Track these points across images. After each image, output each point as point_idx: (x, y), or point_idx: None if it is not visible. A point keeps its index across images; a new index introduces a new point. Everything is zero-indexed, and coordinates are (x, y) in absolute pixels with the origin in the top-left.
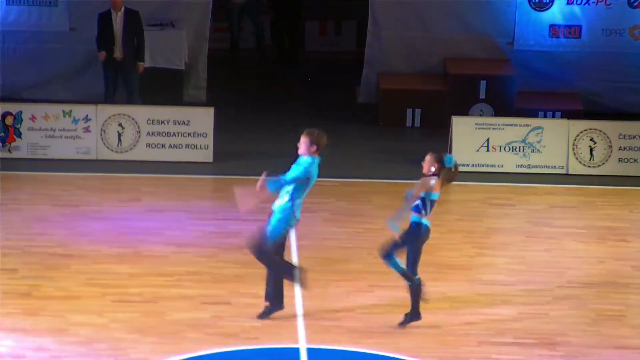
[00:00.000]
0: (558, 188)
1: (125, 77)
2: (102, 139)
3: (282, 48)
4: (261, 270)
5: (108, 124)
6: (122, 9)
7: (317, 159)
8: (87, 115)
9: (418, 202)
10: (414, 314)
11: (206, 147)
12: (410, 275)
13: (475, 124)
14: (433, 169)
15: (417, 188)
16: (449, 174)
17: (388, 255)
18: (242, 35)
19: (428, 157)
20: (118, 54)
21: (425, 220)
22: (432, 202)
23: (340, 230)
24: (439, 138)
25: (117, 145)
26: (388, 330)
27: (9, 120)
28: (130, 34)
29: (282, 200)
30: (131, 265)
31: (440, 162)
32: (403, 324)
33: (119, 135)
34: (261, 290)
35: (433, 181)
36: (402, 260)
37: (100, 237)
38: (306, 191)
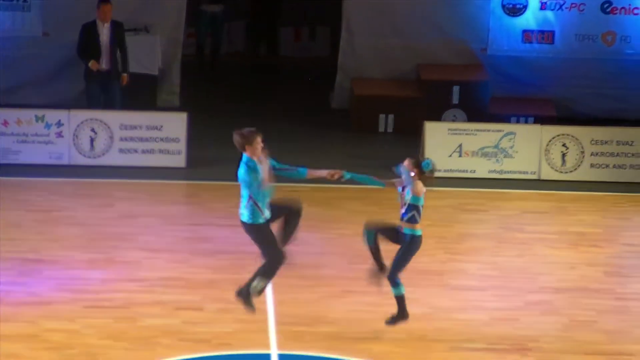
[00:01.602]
0: (530, 194)
1: (110, 89)
2: (75, 144)
3: (258, 53)
4: (234, 276)
5: (81, 129)
6: (109, 20)
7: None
8: (59, 121)
9: (412, 212)
10: (400, 315)
11: (179, 152)
12: (382, 260)
13: (448, 130)
14: (412, 174)
15: (412, 188)
16: (427, 179)
17: (368, 230)
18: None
19: (407, 162)
20: (104, 65)
21: (418, 231)
22: (421, 207)
23: (312, 235)
24: (412, 144)
25: (90, 150)
26: (360, 336)
27: None
28: (116, 46)
29: None
30: (104, 271)
31: (418, 166)
32: (389, 323)
33: (92, 140)
34: (233, 296)
35: (422, 186)
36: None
37: (72, 243)
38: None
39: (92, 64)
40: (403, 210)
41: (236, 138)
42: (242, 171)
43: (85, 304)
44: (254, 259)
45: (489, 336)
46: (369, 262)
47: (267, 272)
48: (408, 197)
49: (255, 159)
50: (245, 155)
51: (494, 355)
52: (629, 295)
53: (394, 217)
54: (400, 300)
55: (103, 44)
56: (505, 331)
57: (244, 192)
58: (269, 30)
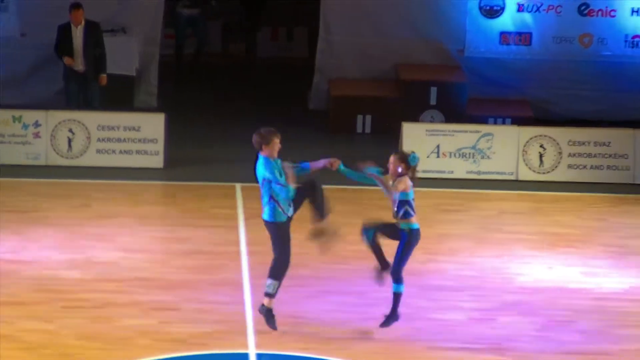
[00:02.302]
0: (508, 194)
1: (87, 90)
2: (52, 145)
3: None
4: (211, 277)
5: (58, 129)
6: (83, 22)
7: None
8: (37, 121)
9: (404, 208)
10: (392, 316)
11: (157, 153)
12: (383, 257)
13: (426, 131)
14: (400, 169)
15: (393, 185)
16: (414, 172)
17: (367, 229)
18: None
19: (392, 158)
20: (80, 66)
21: (415, 225)
22: (412, 201)
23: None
24: (389, 144)
25: (68, 151)
26: (338, 336)
27: None
28: (91, 46)
29: None
30: (81, 271)
31: (405, 161)
32: (383, 325)
33: (69, 141)
34: (210, 296)
35: (409, 181)
36: (390, 259)
37: (50, 243)
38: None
39: (66, 60)
40: (395, 208)
41: (255, 138)
42: (262, 169)
43: (62, 304)
44: (231, 259)
45: (466, 336)
46: (347, 264)
47: (276, 274)
48: (396, 194)
49: (272, 159)
50: (262, 156)
51: (471, 354)
52: (606, 295)
53: (373, 216)
54: (397, 298)
55: (76, 46)
56: (482, 331)
57: (265, 191)
58: (250, 31)
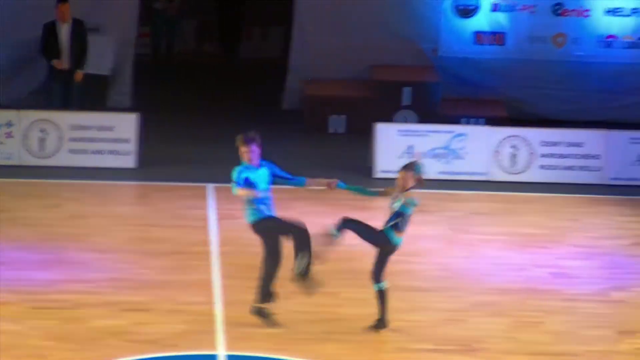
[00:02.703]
0: (480, 195)
1: (70, 87)
2: (25, 145)
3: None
4: (183, 277)
5: (30, 129)
6: (70, 20)
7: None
8: (9, 121)
9: (399, 219)
10: (381, 322)
11: (129, 153)
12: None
13: (399, 131)
14: (411, 183)
15: (401, 196)
16: (422, 181)
17: (345, 222)
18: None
19: (406, 174)
20: (65, 64)
21: (397, 238)
22: (408, 217)
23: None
24: (363, 144)
25: (40, 150)
26: (308, 337)
27: None
28: (76, 44)
29: None
30: (52, 272)
31: (418, 175)
32: (373, 327)
33: (42, 140)
34: (181, 296)
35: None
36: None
37: (21, 243)
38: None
39: (56, 63)
40: (389, 217)
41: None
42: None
43: (33, 304)
44: (202, 259)
45: (436, 337)
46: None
47: (267, 277)
48: (397, 204)
49: (247, 163)
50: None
51: (441, 355)
52: (576, 296)
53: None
54: (382, 297)
55: (63, 44)
56: (453, 332)
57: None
58: (230, 30)
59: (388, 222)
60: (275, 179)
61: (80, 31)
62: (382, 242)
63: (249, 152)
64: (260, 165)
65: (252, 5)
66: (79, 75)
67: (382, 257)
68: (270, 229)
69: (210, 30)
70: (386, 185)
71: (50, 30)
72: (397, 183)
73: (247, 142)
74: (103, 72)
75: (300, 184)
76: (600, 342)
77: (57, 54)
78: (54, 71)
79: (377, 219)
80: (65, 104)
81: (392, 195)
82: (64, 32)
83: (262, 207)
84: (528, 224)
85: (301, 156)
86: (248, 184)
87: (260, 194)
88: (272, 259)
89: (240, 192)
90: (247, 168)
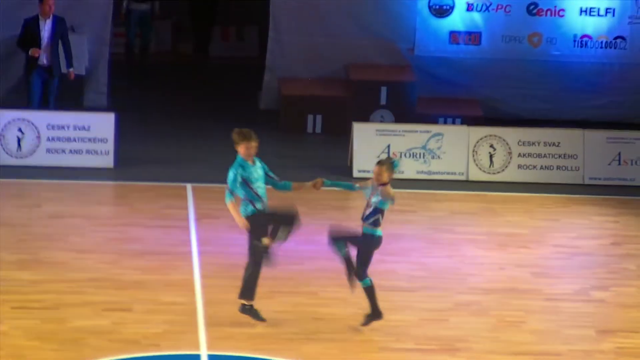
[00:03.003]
0: (458, 194)
1: (49, 83)
2: (2, 144)
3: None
4: (163, 277)
5: (7, 129)
6: (51, 16)
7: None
8: None
9: (377, 215)
10: (374, 314)
11: (107, 152)
12: (353, 267)
13: (376, 130)
14: (386, 179)
15: (380, 191)
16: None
17: (336, 240)
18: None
19: (381, 169)
20: (44, 61)
21: (379, 231)
22: (385, 212)
23: (243, 236)
24: (340, 144)
25: (17, 150)
26: (290, 337)
27: None
28: (57, 41)
29: None
30: (32, 272)
31: (392, 171)
32: (364, 324)
33: (19, 140)
34: (162, 296)
35: (392, 190)
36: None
37: (0, 244)
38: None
39: (32, 51)
40: (368, 212)
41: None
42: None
43: (13, 304)
44: (182, 259)
45: (418, 336)
46: (299, 264)
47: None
48: (376, 199)
49: (244, 160)
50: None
51: (423, 355)
52: (557, 296)
53: (321, 216)
54: (370, 293)
55: (44, 40)
56: (434, 332)
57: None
58: (201, 30)
59: (368, 217)
60: (265, 178)
61: (62, 28)
62: (370, 243)
63: (256, 147)
64: (254, 162)
65: (227, 4)
66: (72, 74)
67: (368, 254)
68: (261, 225)
69: (185, 31)
70: (365, 187)
71: (31, 25)
72: (373, 177)
73: (255, 136)
74: (79, 71)
75: (285, 188)
76: (582, 341)
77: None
78: (32, 66)
79: (352, 219)
80: (43, 101)
81: (368, 187)
82: (46, 27)
83: (256, 202)
84: (507, 223)
85: (279, 156)
86: (245, 186)
87: (245, 224)
88: (255, 260)
89: (231, 209)
90: (244, 165)
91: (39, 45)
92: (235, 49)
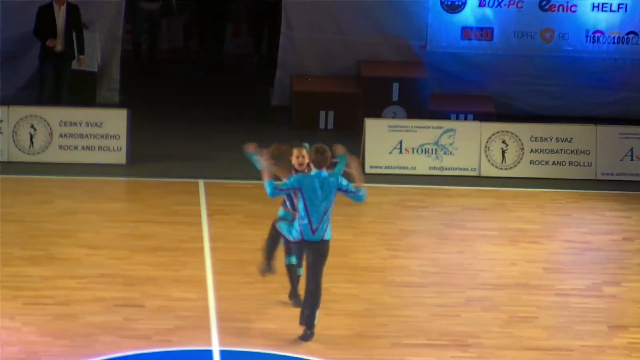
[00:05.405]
0: (470, 190)
1: (62, 71)
2: (14, 141)
3: (206, 49)
4: (175, 273)
5: (20, 125)
6: (65, 3)
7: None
8: None
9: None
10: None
11: (119, 149)
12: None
13: (388, 126)
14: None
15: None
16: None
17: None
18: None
19: (302, 151)
20: (60, 47)
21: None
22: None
23: (254, 232)
24: (352, 140)
25: (29, 147)
26: (300, 332)
27: None
28: (71, 28)
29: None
30: (44, 268)
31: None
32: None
33: (31, 136)
34: (173, 292)
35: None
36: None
37: (12, 240)
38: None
39: (50, 41)
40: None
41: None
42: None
43: (25, 300)
44: (194, 255)
45: (429, 332)
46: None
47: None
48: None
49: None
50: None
51: (435, 351)
52: (569, 292)
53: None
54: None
55: (59, 27)
56: (446, 327)
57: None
58: (217, 26)
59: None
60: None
61: (76, 15)
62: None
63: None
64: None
65: (239, 1)
66: (82, 60)
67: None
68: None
69: (196, 28)
70: (377, 182)
71: (46, 13)
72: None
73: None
74: (91, 68)
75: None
76: (594, 336)
77: (52, 36)
78: (46, 54)
79: (364, 214)
80: (57, 89)
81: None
82: (61, 14)
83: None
84: (519, 219)
85: None
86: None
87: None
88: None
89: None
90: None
91: (54, 33)
92: (246, 46)
